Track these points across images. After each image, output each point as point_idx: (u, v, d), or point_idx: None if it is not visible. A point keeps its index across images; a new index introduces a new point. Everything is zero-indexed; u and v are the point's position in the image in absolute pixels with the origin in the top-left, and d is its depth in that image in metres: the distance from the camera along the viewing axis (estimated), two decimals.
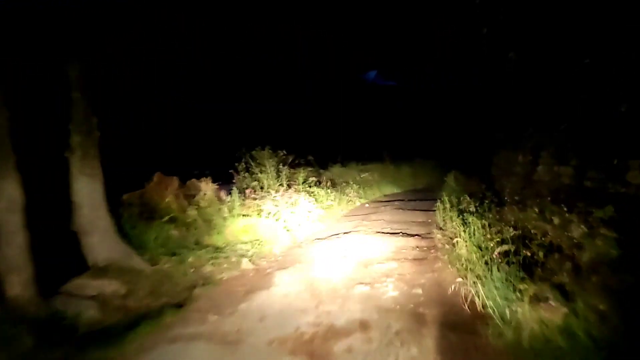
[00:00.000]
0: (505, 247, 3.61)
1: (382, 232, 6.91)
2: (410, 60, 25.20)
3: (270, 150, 9.11)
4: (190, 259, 5.65)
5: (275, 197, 7.75)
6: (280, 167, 8.92)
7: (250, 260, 5.50)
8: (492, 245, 3.85)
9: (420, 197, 11.58)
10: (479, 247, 4.16)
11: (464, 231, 4.69)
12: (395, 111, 23.23)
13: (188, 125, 13.34)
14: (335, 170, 14.02)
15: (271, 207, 7.61)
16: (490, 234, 4.22)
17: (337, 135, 18.69)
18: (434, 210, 8.86)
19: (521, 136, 7.33)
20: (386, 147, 17.23)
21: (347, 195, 11.05)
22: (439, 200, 8.69)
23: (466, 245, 4.35)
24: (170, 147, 11.48)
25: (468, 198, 6.49)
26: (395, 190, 13.88)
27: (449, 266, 4.54)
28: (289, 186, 9.04)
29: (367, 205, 10.80)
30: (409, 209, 9.58)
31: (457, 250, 4.56)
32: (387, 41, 23.79)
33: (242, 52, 14.97)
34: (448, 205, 7.56)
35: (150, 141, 10.67)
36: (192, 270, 5.34)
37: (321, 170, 13.78)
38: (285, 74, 17.83)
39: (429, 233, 6.75)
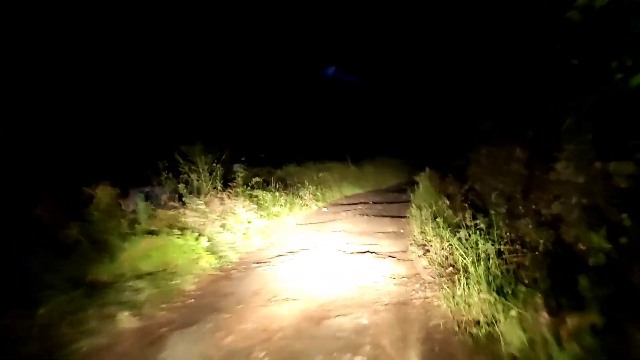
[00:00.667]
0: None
1: (344, 252, 5.12)
2: (372, 55, 24.18)
3: (202, 146, 6.96)
4: (42, 311, 3.51)
5: (199, 205, 5.70)
6: (215, 165, 6.85)
7: (136, 312, 3.45)
8: (538, 300, 2.15)
9: (387, 200, 10.01)
10: (503, 294, 2.47)
11: (470, 262, 2.99)
12: (356, 107, 22.05)
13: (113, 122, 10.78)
14: (291, 170, 12.15)
15: (195, 219, 5.58)
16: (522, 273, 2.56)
17: (294, 133, 16.90)
18: (405, 217, 7.26)
19: (514, 127, 5.93)
20: (347, 144, 15.68)
21: (302, 198, 9.21)
22: (412, 205, 7.10)
23: (479, 289, 2.65)
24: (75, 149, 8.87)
25: (463, 207, 4.89)
26: (358, 190, 12.26)
27: (455, 324, 2.80)
28: (227, 189, 7.02)
29: (325, 209, 9.02)
30: (374, 215, 7.90)
31: (461, 293, 2.85)
32: (347, 35, 22.48)
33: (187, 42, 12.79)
34: (426, 213, 5.95)
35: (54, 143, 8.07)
36: (36, 331, 3.22)
37: (274, 170, 11.88)
38: (239, 67, 15.78)
39: (405, 251, 5.06)
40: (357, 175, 13.46)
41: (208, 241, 5.03)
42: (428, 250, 4.57)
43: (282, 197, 8.16)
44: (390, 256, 4.82)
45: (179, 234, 4.84)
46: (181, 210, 5.82)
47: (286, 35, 18.08)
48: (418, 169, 16.13)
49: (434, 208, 5.87)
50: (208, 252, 4.87)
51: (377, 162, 15.42)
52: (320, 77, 25.09)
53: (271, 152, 15.00)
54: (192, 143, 6.94)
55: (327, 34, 20.94)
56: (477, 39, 8.28)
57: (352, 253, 5.04)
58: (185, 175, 6.60)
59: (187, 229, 5.18)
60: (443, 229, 4.57)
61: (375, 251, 5.08)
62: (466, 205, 5.58)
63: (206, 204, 5.94)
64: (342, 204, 9.72)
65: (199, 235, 5.11)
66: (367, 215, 7.79)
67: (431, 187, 7.83)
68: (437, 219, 5.10)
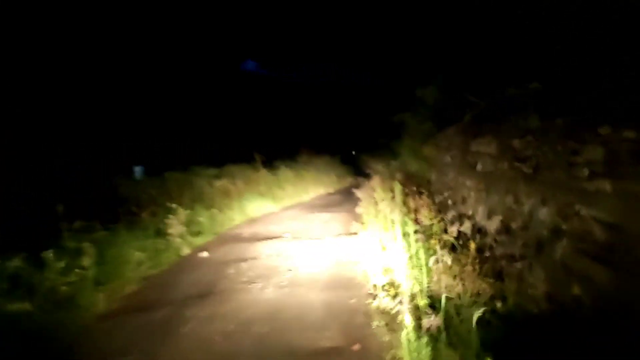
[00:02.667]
0: None
1: None
2: (297, 50, 21.56)
3: None
4: None
5: None
6: None
7: None
8: None
9: (314, 233, 6.37)
10: None
11: None
12: (277, 105, 18.75)
13: None
14: (173, 178, 7.85)
15: None
16: None
17: (196, 133, 12.60)
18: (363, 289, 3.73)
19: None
20: (261, 143, 11.87)
21: (167, 237, 5.13)
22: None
23: None
24: None
25: None
26: (269, 207, 8.47)
27: None
28: None
29: (205, 255, 5.05)
30: (305, 275, 4.22)
31: None
32: (270, 27, 19.37)
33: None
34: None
35: None
36: None
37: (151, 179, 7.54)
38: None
39: None
40: (271, 182, 9.68)
41: None
42: None
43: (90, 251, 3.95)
44: None
45: None
46: None
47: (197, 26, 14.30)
48: (348, 172, 13.05)
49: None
50: None
51: (299, 163, 11.86)
52: (238, 72, 21.50)
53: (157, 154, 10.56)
54: None
55: (249, 27, 17.82)
56: None
57: None
58: None
59: None
60: None
61: None
62: None
63: None
64: (242, 240, 5.86)
65: None
66: (286, 287, 4.04)
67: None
68: None
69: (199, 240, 5.60)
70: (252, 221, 7.20)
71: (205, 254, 4.99)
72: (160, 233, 5.23)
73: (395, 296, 3.12)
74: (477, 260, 3.39)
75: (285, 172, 10.40)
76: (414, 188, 5.74)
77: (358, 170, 15.17)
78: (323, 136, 15.97)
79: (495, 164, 4.35)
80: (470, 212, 4.93)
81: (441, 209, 5.47)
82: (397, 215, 3.96)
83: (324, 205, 8.77)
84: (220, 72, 17.34)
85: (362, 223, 5.76)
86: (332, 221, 6.87)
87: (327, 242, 5.43)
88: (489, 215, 4.30)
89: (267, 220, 7.17)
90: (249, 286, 3.76)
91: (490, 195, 4.35)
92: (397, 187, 4.21)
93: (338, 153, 14.06)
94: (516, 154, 3.84)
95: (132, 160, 10.44)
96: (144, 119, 11.18)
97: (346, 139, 16.89)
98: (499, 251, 3.79)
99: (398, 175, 6.72)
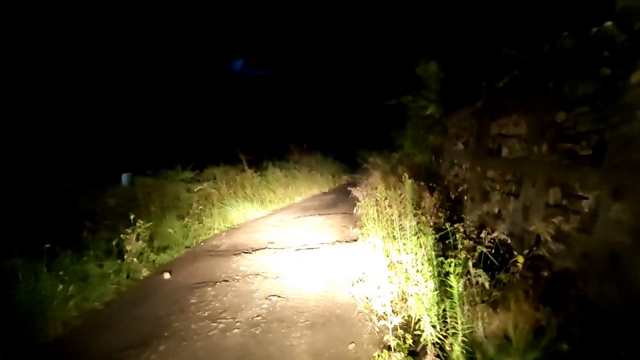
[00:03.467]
0: None
1: None
2: (285, 48, 20.67)
3: None
4: None
5: None
6: None
7: None
8: None
9: (310, 242, 5.36)
10: None
11: None
12: (266, 104, 17.85)
13: None
14: (143, 183, 6.81)
15: None
16: None
17: (175, 133, 11.58)
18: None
19: None
20: (249, 144, 10.87)
21: (123, 256, 4.11)
22: None
23: None
24: None
25: None
26: (257, 212, 7.43)
27: None
28: None
29: (166, 277, 4.00)
30: (289, 304, 3.22)
31: None
32: (257, 25, 18.51)
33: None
34: None
35: None
36: None
37: (110, 187, 6.49)
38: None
39: None
40: (258, 184, 8.66)
41: None
42: None
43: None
44: None
45: None
46: None
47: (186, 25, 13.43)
48: (342, 166, 12.04)
49: None
50: None
51: (290, 162, 10.84)
52: (225, 71, 20.56)
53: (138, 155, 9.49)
54: None
55: (236, 25, 16.99)
56: None
57: None
58: None
59: None
60: None
61: None
62: None
63: None
64: (216, 253, 4.84)
65: None
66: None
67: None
68: None
69: (164, 258, 4.57)
70: (234, 229, 6.17)
71: (166, 276, 3.97)
72: (113, 253, 4.20)
73: (414, 347, 2.11)
74: (526, 280, 2.39)
75: (274, 172, 9.38)
76: (422, 183, 4.74)
77: (354, 167, 14.17)
78: (315, 133, 14.96)
79: (528, 148, 3.37)
80: (496, 211, 3.94)
81: (456, 207, 4.47)
82: (408, 219, 2.96)
83: (318, 206, 7.75)
84: (205, 70, 16.39)
85: (362, 227, 4.78)
86: (326, 226, 5.87)
87: (319, 254, 4.43)
88: (525, 215, 3.31)
89: (251, 228, 6.15)
90: (212, 325, 2.75)
91: (524, 188, 3.36)
92: (407, 183, 3.21)
93: (331, 149, 13.05)
94: (563, 131, 2.86)
95: (119, 166, 9.39)
96: (124, 123, 10.15)
97: (340, 134, 15.89)
98: (547, 265, 2.80)
99: (401, 169, 5.72)
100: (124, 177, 9.40)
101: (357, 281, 3.27)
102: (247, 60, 22.14)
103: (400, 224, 3.23)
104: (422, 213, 3.82)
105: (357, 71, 19.34)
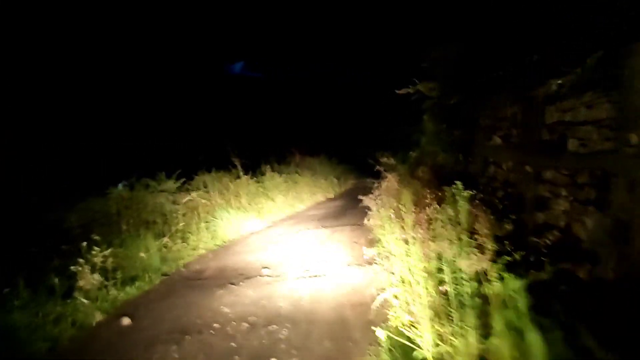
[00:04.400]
0: None
1: None
2: (284, 49, 19.96)
3: None
4: None
5: None
6: None
7: None
8: None
9: (313, 255, 4.34)
10: None
11: None
12: (266, 106, 17.02)
13: None
14: (121, 195, 5.84)
15: None
16: None
17: (175, 138, 10.72)
18: None
19: None
20: (245, 148, 9.97)
21: (74, 294, 3.15)
22: None
23: None
24: None
25: None
26: (253, 225, 6.41)
27: None
28: None
29: (125, 323, 2.97)
30: None
31: None
32: (255, 27, 17.83)
33: None
34: None
35: None
36: None
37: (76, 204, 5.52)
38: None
39: None
40: (255, 192, 7.67)
41: None
42: None
43: None
44: None
45: None
46: None
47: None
48: (348, 168, 11.08)
49: None
50: None
51: (291, 166, 9.85)
52: (224, 74, 19.81)
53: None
54: None
55: (235, 27, 16.31)
56: None
57: None
58: None
59: None
60: None
61: None
62: None
63: None
64: (197, 282, 3.85)
65: None
66: None
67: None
68: None
69: (129, 293, 3.58)
70: (224, 248, 5.18)
71: (125, 322, 2.98)
72: (57, 292, 3.22)
73: None
74: None
75: (273, 178, 8.39)
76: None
77: (361, 169, 13.15)
78: (317, 134, 13.98)
79: (617, 137, 2.35)
80: (561, 224, 2.92)
81: (502, 218, 3.45)
82: (457, 245, 1.94)
83: (323, 216, 6.74)
84: (203, 73, 15.57)
85: (378, 244, 3.79)
86: (333, 241, 4.86)
87: (326, 285, 3.42)
88: (621, 232, 2.29)
89: (244, 246, 5.15)
90: None
91: (614, 195, 2.33)
92: (461, 193, 2.21)
93: (335, 151, 12.05)
94: None
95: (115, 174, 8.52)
96: (118, 126, 9.27)
97: (343, 135, 14.90)
98: None
99: (421, 171, 4.71)
100: (120, 186, 8.48)
101: (383, 332, 2.25)
102: (246, 62, 21.35)
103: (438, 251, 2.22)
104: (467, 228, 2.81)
105: (358, 70, 18.38)
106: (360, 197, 4.66)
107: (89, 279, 3.32)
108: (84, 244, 3.43)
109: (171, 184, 6.21)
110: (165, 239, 4.84)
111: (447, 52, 4.70)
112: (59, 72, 8.32)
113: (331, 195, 9.44)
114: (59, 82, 8.30)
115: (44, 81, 7.92)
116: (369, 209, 4.83)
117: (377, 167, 6.13)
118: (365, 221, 5.32)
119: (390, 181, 4.80)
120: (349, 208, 7.01)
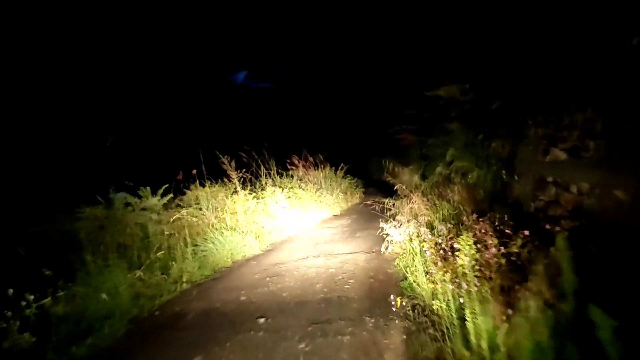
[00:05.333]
0: None
1: None
2: (289, 60, 19.41)
3: None
4: None
5: None
6: None
7: None
8: None
9: (323, 295, 3.36)
10: None
11: None
12: (270, 117, 16.42)
13: None
14: (95, 214, 4.94)
15: None
16: None
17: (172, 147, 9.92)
18: None
19: None
20: (249, 159, 9.14)
21: None
22: None
23: None
24: None
25: None
26: (249, 248, 5.48)
27: None
28: None
29: None
30: None
31: None
32: (260, 37, 17.29)
33: None
34: None
35: None
36: None
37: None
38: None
39: None
40: (254, 208, 6.75)
41: None
42: None
43: None
44: None
45: None
46: None
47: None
48: (355, 181, 10.21)
49: None
50: None
51: (294, 178, 8.94)
52: (227, 84, 19.23)
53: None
54: None
55: (238, 37, 15.82)
56: None
57: None
58: None
59: None
60: None
61: None
62: None
63: None
64: (169, 336, 2.90)
65: None
66: None
67: None
68: None
69: (76, 354, 2.64)
70: (213, 281, 4.23)
71: None
72: None
73: None
74: None
75: (274, 193, 7.47)
76: (505, 218, 2.81)
77: (368, 181, 12.23)
78: (322, 144, 13.11)
79: None
80: None
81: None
82: None
83: (331, 238, 5.80)
84: (203, 83, 14.89)
85: (407, 289, 2.88)
86: (346, 275, 3.91)
87: (341, 345, 2.47)
88: None
89: (237, 279, 4.21)
90: None
91: None
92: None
93: (341, 161, 11.15)
94: None
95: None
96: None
97: (350, 144, 14.04)
98: None
99: (455, 191, 3.79)
100: (118, 198, 7.59)
101: None
102: (249, 72, 20.79)
103: None
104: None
105: (364, 74, 17.51)
106: (369, 215, 3.74)
107: (15, 339, 2.39)
108: (10, 291, 2.50)
109: (155, 201, 5.31)
110: (139, 272, 3.90)
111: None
112: (63, 79, 7.68)
113: (337, 212, 8.52)
114: (63, 88, 7.65)
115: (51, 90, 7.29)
116: (383, 231, 3.92)
117: (391, 181, 5.23)
118: (383, 249, 4.39)
119: (414, 202, 3.88)
120: (359, 229, 6.09)
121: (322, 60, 18.29)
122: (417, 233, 3.50)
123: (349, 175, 10.90)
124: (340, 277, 3.83)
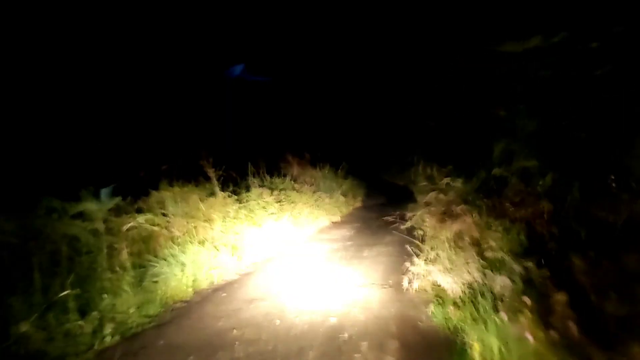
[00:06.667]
0: None
1: None
2: (289, 51, 18.15)
3: None
4: None
5: None
6: None
7: None
8: None
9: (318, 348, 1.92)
10: None
11: None
12: (269, 113, 15.24)
13: None
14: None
15: None
16: None
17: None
18: None
19: None
20: (235, 157, 7.79)
21: None
22: None
23: None
24: None
25: None
26: (224, 269, 4.05)
27: None
28: None
29: None
30: None
31: None
32: (258, 27, 16.21)
33: None
34: None
35: None
36: None
37: None
38: None
39: None
40: (234, 214, 5.33)
41: None
42: None
43: None
44: None
45: None
46: None
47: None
48: (357, 183, 8.85)
49: None
50: None
51: (286, 178, 7.50)
52: (222, 78, 17.84)
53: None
54: None
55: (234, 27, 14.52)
56: None
57: None
58: None
59: None
60: None
61: None
62: None
63: None
64: None
65: None
66: None
67: None
68: None
69: None
70: (155, 330, 2.81)
71: None
72: None
73: None
74: None
75: (261, 195, 6.05)
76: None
77: (372, 182, 10.83)
78: (321, 141, 11.70)
79: None
80: None
81: None
82: None
83: (330, 255, 4.40)
84: (198, 76, 13.45)
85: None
86: (355, 326, 2.51)
87: None
88: None
89: (192, 327, 2.78)
90: None
91: None
92: None
93: (342, 160, 9.73)
94: None
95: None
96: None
97: (352, 141, 12.67)
98: None
99: (529, 203, 2.40)
100: (103, 193, 6.12)
101: None
102: (246, 65, 19.50)
103: None
104: None
105: (369, 65, 16.15)
106: (375, 223, 2.45)
107: None
108: None
109: (93, 206, 3.86)
110: (54, 310, 2.48)
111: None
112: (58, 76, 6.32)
113: (337, 218, 7.09)
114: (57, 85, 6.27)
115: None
116: (405, 252, 2.55)
117: (399, 183, 3.77)
118: (405, 282, 2.97)
119: (462, 218, 2.47)
120: (366, 245, 4.71)
121: (323, 51, 16.96)
122: (462, 266, 2.13)
123: (350, 175, 9.50)
124: (345, 337, 2.41)
